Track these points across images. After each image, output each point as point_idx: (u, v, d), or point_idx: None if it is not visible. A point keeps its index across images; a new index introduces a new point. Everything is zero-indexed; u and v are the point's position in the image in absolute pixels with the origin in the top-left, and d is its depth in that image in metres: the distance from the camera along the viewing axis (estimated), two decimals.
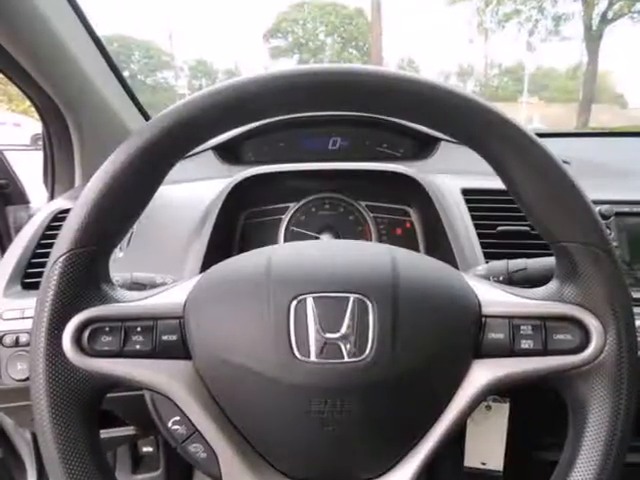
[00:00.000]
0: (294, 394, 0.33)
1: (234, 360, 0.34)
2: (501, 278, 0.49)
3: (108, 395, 0.36)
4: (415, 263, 0.38)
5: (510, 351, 0.35)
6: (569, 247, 0.34)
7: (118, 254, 0.65)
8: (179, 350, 0.35)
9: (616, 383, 0.34)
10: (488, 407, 0.52)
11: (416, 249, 0.76)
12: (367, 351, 0.33)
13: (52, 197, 0.91)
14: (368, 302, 0.34)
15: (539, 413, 0.66)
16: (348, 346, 0.33)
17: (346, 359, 0.33)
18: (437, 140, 0.91)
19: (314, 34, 22.53)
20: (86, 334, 0.34)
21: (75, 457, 0.33)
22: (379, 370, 0.33)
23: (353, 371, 0.33)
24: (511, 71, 22.30)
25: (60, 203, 0.74)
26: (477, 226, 0.67)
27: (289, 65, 0.36)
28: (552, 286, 0.37)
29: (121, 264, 0.63)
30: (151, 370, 0.35)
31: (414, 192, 0.74)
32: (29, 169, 0.99)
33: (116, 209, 0.34)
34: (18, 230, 0.69)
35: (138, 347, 0.35)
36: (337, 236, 0.78)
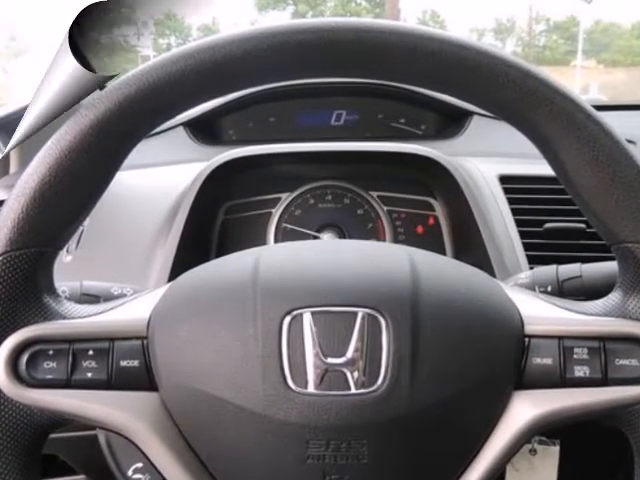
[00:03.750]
0: (287, 435, 0.33)
1: (211, 392, 0.34)
2: (549, 288, 0.49)
3: (53, 436, 0.36)
4: (440, 269, 0.38)
5: (560, 380, 0.35)
6: (635, 249, 0.35)
7: (65, 258, 0.66)
8: (142, 379, 0.35)
9: None
10: (533, 451, 0.52)
11: (442, 252, 0.76)
12: (379, 381, 0.33)
13: None
14: (381, 319, 0.34)
15: (597, 458, 0.66)
16: (355, 374, 0.33)
17: (353, 390, 0.33)
18: (468, 114, 0.91)
19: None
20: (24, 359, 0.34)
21: None
22: (395, 404, 0.33)
23: (362, 405, 0.33)
24: (562, 27, 22.34)
25: None
26: (519, 222, 0.67)
27: (281, 19, 0.36)
28: (613, 298, 0.37)
29: (68, 270, 0.64)
30: (106, 404, 0.35)
31: (439, 180, 0.74)
32: None
33: (62, 201, 0.34)
34: None
35: (90, 375, 0.35)
36: (342, 235, 0.78)
